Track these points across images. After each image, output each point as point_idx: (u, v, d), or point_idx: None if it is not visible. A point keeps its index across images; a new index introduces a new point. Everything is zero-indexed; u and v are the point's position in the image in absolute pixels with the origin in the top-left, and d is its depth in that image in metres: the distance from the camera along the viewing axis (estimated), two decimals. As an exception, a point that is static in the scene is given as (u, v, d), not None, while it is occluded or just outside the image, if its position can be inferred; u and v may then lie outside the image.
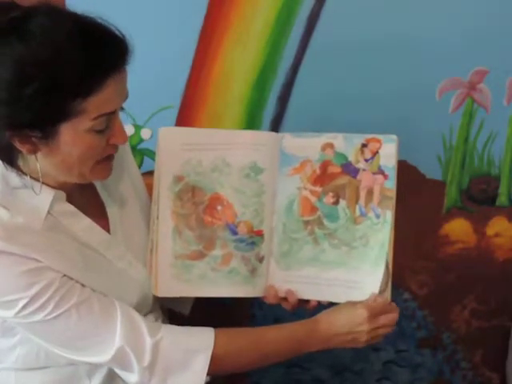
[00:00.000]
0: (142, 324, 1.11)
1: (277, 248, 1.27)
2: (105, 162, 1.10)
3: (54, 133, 1.01)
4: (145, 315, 1.21)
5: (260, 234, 1.26)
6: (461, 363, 1.87)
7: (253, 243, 1.26)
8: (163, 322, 1.29)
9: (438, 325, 1.83)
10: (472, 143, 1.70)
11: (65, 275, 1.08)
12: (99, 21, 1.01)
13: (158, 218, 1.23)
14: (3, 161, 1.07)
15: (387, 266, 1.21)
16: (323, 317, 1.20)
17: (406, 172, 1.67)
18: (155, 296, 1.24)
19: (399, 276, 1.74)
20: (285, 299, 1.26)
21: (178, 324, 1.19)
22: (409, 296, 1.80)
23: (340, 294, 1.23)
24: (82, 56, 0.97)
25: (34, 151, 1.03)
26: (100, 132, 1.04)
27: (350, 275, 1.22)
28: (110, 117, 1.05)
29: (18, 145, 1.02)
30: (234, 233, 1.25)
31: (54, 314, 1.07)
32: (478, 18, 1.60)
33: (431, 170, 1.71)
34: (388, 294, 1.21)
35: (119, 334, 1.08)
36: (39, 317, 1.06)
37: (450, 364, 1.87)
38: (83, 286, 1.10)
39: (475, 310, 1.82)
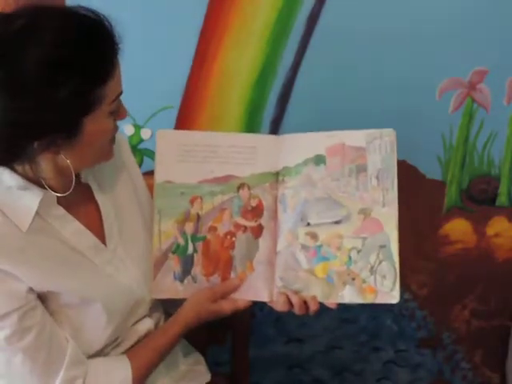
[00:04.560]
0: None
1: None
2: (111, 143, 1.11)
3: (79, 128, 1.01)
4: (141, 319, 1.21)
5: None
6: (461, 363, 1.87)
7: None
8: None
9: (438, 325, 1.84)
10: (472, 143, 1.70)
11: (28, 310, 1.05)
12: (88, 9, 1.02)
13: (160, 230, 1.24)
14: (4, 162, 1.05)
15: (394, 266, 1.21)
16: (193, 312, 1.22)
17: (406, 172, 1.67)
18: (155, 300, 1.23)
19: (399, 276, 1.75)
20: (305, 303, 1.22)
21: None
22: (409, 296, 1.80)
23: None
24: (96, 44, 0.99)
25: (58, 153, 1.03)
26: (113, 113, 1.06)
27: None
28: (119, 96, 1.06)
29: (44, 152, 1.01)
30: None
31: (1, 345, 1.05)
32: (479, 18, 1.60)
33: (431, 169, 1.71)
34: (396, 293, 1.21)
35: None
36: None
37: (450, 364, 1.87)
38: (43, 326, 1.07)
39: (475, 310, 1.82)
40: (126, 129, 1.62)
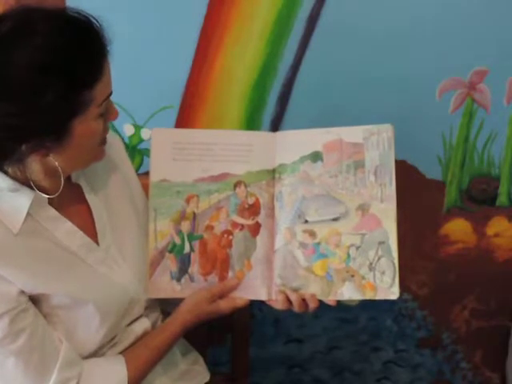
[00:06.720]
0: None
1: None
2: (102, 144, 1.11)
3: (68, 130, 1.01)
4: (137, 319, 1.21)
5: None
6: (461, 363, 1.87)
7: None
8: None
9: (438, 325, 1.84)
10: (472, 143, 1.70)
11: (20, 312, 1.05)
12: (77, 11, 1.02)
13: (155, 229, 1.24)
14: None
15: (393, 262, 1.21)
16: (191, 314, 1.22)
17: (406, 172, 1.67)
18: (151, 299, 1.23)
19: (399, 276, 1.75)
20: (304, 301, 1.21)
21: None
22: (409, 296, 1.80)
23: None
24: (83, 47, 0.99)
25: (47, 155, 1.03)
26: (103, 115, 1.06)
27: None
28: (108, 98, 1.06)
29: (32, 155, 1.02)
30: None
31: None
32: (479, 18, 1.60)
33: (431, 170, 1.71)
34: (396, 289, 1.21)
35: None
36: None
37: (450, 364, 1.87)
38: (35, 328, 1.07)
39: (475, 310, 1.82)
40: (126, 129, 1.62)
